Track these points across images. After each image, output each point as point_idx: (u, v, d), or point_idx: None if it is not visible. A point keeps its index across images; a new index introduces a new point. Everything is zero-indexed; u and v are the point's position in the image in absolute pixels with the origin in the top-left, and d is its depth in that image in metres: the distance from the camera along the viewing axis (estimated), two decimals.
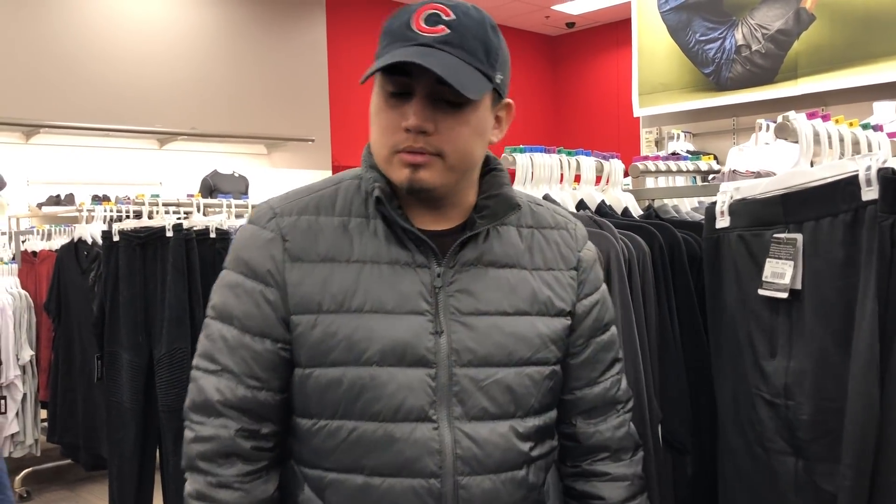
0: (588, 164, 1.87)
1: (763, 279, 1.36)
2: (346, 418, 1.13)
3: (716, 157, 3.88)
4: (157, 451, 3.26)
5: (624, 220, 1.81)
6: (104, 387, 3.29)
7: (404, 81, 1.08)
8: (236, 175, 7.54)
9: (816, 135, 1.37)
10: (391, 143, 1.10)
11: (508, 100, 1.19)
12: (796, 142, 1.40)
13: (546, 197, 1.75)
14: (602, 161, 1.92)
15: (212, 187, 7.23)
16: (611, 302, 1.29)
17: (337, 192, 1.19)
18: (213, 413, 1.15)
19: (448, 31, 1.06)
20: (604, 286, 1.29)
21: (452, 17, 1.07)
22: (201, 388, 1.16)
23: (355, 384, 1.11)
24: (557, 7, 10.04)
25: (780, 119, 1.43)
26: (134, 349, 3.12)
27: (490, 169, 1.23)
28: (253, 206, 3.63)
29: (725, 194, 1.50)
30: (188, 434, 1.17)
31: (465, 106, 1.09)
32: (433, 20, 1.07)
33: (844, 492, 1.17)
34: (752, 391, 1.40)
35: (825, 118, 1.37)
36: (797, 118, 1.38)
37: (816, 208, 1.27)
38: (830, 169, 1.25)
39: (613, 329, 1.29)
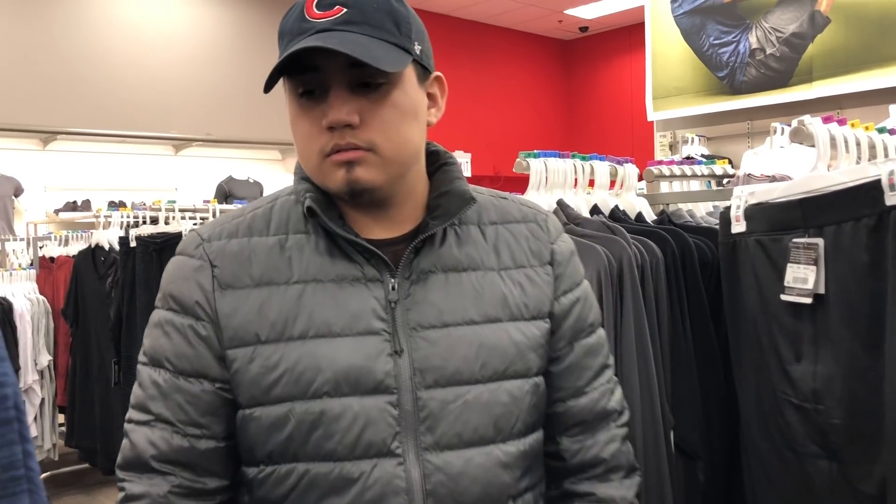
0: (602, 168, 1.87)
1: (785, 284, 1.36)
2: (296, 461, 0.97)
3: (730, 161, 3.87)
4: None
5: (637, 225, 1.81)
6: (121, 391, 3.31)
7: (314, 78, 0.96)
8: (251, 181, 7.58)
9: (832, 139, 1.36)
10: (317, 149, 0.97)
11: (437, 73, 1.05)
12: (812, 146, 1.39)
13: (560, 202, 1.76)
14: (616, 166, 1.92)
15: (227, 193, 7.27)
16: (594, 300, 1.15)
17: (272, 210, 1.05)
18: (146, 469, 0.99)
19: (345, 9, 0.94)
20: (585, 282, 1.14)
21: None
22: (133, 442, 1.00)
23: (304, 421, 0.96)
24: (570, 11, 10.04)
25: (795, 123, 1.42)
26: None
27: (440, 164, 1.09)
28: None
29: (740, 199, 1.50)
30: (119, 494, 1.01)
31: (386, 87, 0.96)
32: (326, 3, 0.95)
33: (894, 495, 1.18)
34: (779, 395, 1.40)
35: (841, 122, 1.37)
36: (813, 122, 1.38)
37: (837, 213, 1.27)
38: (851, 173, 1.24)
39: (601, 331, 1.14)
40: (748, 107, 5.01)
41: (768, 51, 4.89)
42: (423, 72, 1.02)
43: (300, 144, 1.00)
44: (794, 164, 4.40)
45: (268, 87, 0.97)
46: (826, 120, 1.36)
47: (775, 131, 4.66)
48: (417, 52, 0.99)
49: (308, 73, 0.96)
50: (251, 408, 0.98)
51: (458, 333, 1.00)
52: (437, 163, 1.10)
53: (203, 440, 1.00)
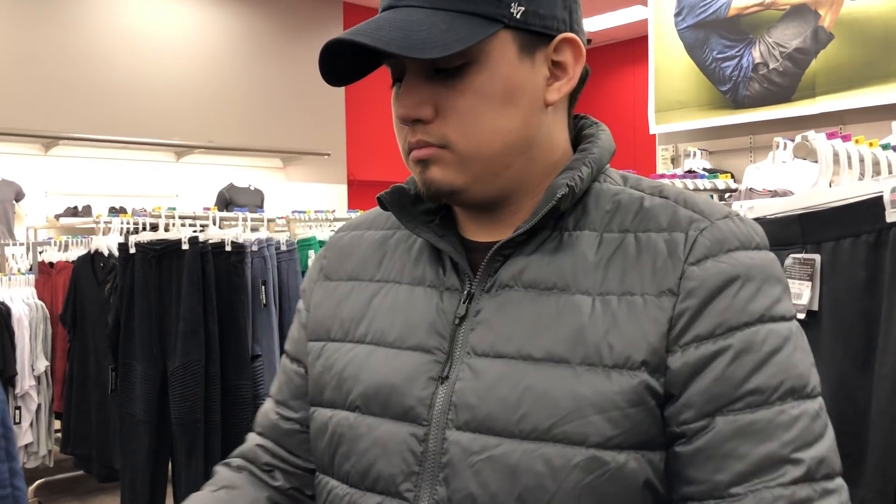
0: None
1: None
2: (327, 473, 0.89)
3: (732, 175, 3.86)
4: (170, 463, 3.27)
5: None
6: (118, 398, 3.31)
7: (394, 64, 0.83)
8: (252, 188, 7.59)
9: (836, 155, 1.36)
10: (402, 143, 0.84)
11: (566, 34, 0.82)
12: (815, 161, 1.39)
13: None
14: None
15: (228, 200, 7.27)
16: (786, 357, 0.76)
17: None
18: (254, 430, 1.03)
19: None
20: (765, 329, 0.76)
21: None
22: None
23: (336, 433, 0.87)
24: None
25: (798, 138, 1.42)
26: (148, 361, 3.13)
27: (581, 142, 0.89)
28: (269, 220, 3.65)
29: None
30: None
31: (465, 69, 0.78)
32: None
33: None
34: None
35: (845, 138, 1.36)
36: (816, 138, 1.37)
37: (836, 229, 1.26)
38: (851, 189, 1.24)
39: (790, 407, 0.74)
40: (751, 121, 5.01)
41: (771, 65, 4.90)
42: (534, 38, 0.80)
43: (396, 137, 0.87)
44: (796, 179, 4.40)
45: (338, 76, 0.84)
46: (830, 136, 1.36)
47: (778, 146, 4.65)
48: (515, 16, 0.78)
49: (388, 56, 0.81)
50: (312, 406, 0.93)
51: (506, 368, 0.79)
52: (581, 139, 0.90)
53: (288, 422, 0.98)
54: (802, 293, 1.29)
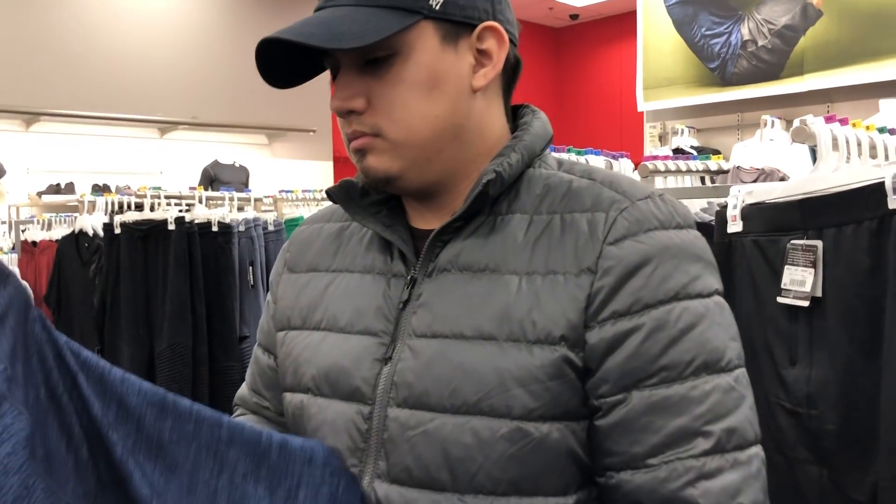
0: (597, 163, 1.85)
1: (782, 286, 1.34)
2: None
3: (721, 155, 3.85)
4: None
5: None
6: None
7: (333, 62, 0.87)
8: (237, 165, 7.52)
9: (834, 139, 1.35)
10: (343, 135, 0.88)
11: (488, 23, 0.87)
12: (814, 146, 1.37)
13: None
14: (611, 160, 1.89)
15: (212, 177, 7.20)
16: (701, 334, 0.79)
17: None
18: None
19: None
20: (680, 307, 0.79)
21: None
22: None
23: (293, 413, 0.93)
24: None
25: (797, 122, 1.40)
26: (135, 343, 3.10)
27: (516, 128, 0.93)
28: (256, 200, 3.61)
29: (737, 198, 1.48)
30: None
31: (391, 59, 0.83)
32: None
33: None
34: (771, 399, 1.38)
35: (843, 122, 1.35)
36: (815, 122, 1.36)
37: (838, 215, 1.25)
38: (853, 175, 1.23)
39: (703, 382, 0.78)
40: (738, 99, 5.00)
41: (760, 43, 4.88)
42: (456, 27, 0.85)
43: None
44: (783, 157, 4.40)
45: (281, 79, 0.89)
46: (828, 119, 1.35)
47: (765, 124, 4.65)
48: (434, 7, 0.83)
49: (326, 55, 0.86)
50: (284, 391, 0.97)
51: (440, 347, 0.83)
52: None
53: (265, 411, 1.03)
54: (806, 280, 1.28)
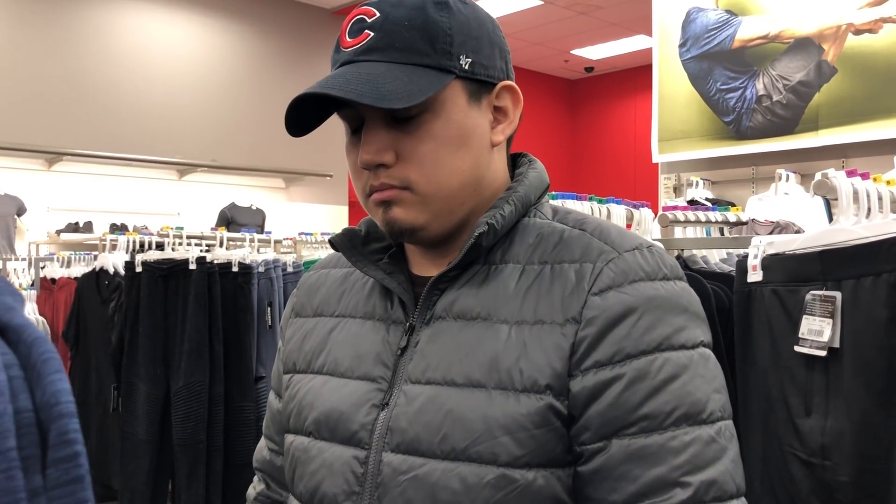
0: (618, 212, 1.88)
1: (799, 336, 1.36)
2: (292, 494, 0.96)
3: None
4: (170, 483, 3.25)
5: None
6: (119, 417, 3.29)
7: (351, 114, 0.89)
8: (254, 208, 7.59)
9: (855, 193, 1.37)
10: (362, 188, 0.90)
11: (506, 82, 0.91)
12: (835, 199, 1.40)
13: None
14: (632, 209, 1.92)
15: (229, 219, 7.27)
16: (682, 386, 0.80)
17: None
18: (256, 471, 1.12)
19: (371, 34, 0.85)
20: (661, 358, 0.81)
21: (377, 15, 0.86)
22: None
23: (294, 456, 0.95)
24: (577, 52, 10.15)
25: (818, 176, 1.43)
26: (152, 381, 3.12)
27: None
28: (276, 242, 3.65)
29: (758, 248, 1.50)
30: None
31: (422, 117, 0.86)
32: (356, 29, 0.87)
33: None
34: (785, 449, 1.39)
35: (864, 176, 1.38)
36: (836, 175, 1.39)
37: (857, 267, 1.27)
38: (873, 228, 1.25)
39: (682, 433, 0.79)
40: (753, 152, 5.04)
41: (775, 98, 4.93)
42: (480, 86, 0.89)
43: (353, 182, 0.94)
44: (798, 210, 4.42)
45: (297, 127, 0.91)
46: (849, 174, 1.38)
47: (780, 178, 4.68)
48: (464, 67, 0.86)
49: (344, 108, 0.89)
50: (286, 433, 0.99)
51: (433, 393, 0.85)
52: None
53: (279, 456, 1.04)
54: (823, 330, 1.30)
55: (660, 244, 0.90)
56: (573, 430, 0.81)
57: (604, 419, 0.80)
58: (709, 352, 0.84)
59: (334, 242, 0.96)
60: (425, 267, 0.94)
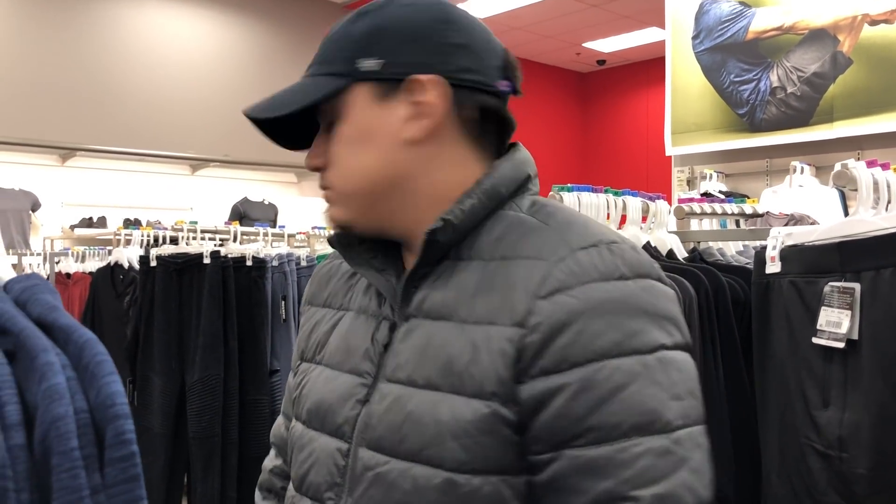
0: (634, 204, 1.87)
1: (817, 328, 1.35)
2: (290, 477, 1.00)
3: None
4: (186, 476, 3.26)
5: (669, 262, 1.80)
6: (134, 411, 3.31)
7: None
8: (266, 203, 7.61)
9: (876, 183, 1.36)
10: None
11: (417, 76, 0.88)
12: (854, 189, 1.39)
13: None
14: (648, 202, 1.91)
15: (242, 214, 7.29)
16: (633, 395, 0.76)
17: None
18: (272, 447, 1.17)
19: (318, 50, 0.94)
20: (613, 366, 0.76)
21: (330, 32, 0.94)
22: None
23: (292, 440, 0.99)
24: (588, 44, 10.11)
25: (838, 166, 1.42)
26: (166, 374, 3.13)
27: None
28: (289, 236, 3.66)
29: (776, 239, 1.49)
30: None
31: (336, 123, 0.92)
32: None
33: None
34: (802, 441, 1.38)
35: (885, 167, 1.37)
36: (856, 166, 1.38)
37: (877, 258, 1.26)
38: (892, 219, 1.24)
39: (626, 444, 0.75)
40: (767, 145, 5.01)
41: (789, 90, 4.90)
42: (392, 85, 0.89)
43: None
44: (813, 203, 4.40)
45: (290, 143, 1.00)
46: (870, 164, 1.37)
47: (795, 170, 4.65)
48: (369, 69, 0.89)
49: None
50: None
51: (399, 393, 0.86)
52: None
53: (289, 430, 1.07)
54: (842, 322, 1.29)
55: (627, 241, 0.84)
56: (525, 438, 0.79)
57: (552, 429, 0.77)
58: (673, 355, 0.78)
59: (332, 241, 0.98)
60: (411, 263, 0.94)
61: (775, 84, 4.95)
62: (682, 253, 1.90)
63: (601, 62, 11.00)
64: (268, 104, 0.91)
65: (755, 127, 5.06)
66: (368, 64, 0.89)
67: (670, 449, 0.74)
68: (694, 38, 5.36)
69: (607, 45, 10.08)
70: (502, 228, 0.87)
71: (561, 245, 0.82)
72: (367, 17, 0.90)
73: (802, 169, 4.68)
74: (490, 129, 0.93)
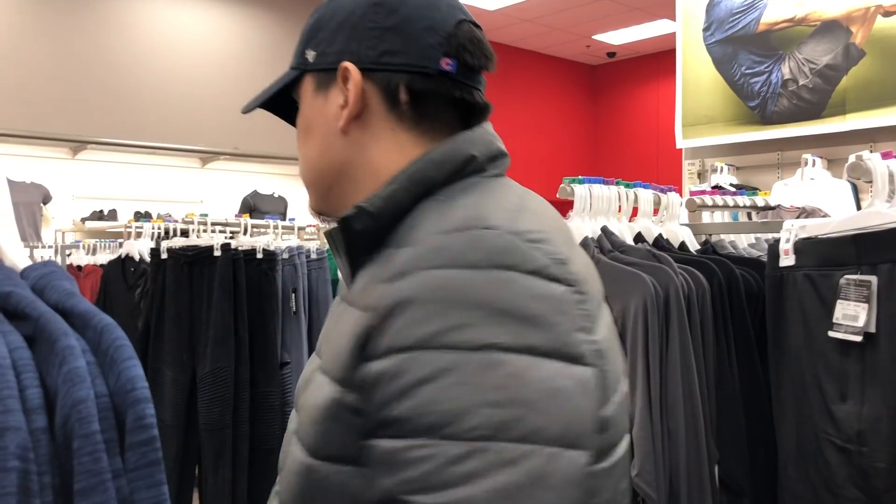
0: (646, 196, 1.86)
1: (833, 321, 1.34)
2: None
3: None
4: (196, 468, 3.27)
5: (682, 254, 1.79)
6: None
7: None
8: (276, 196, 7.62)
9: (891, 175, 1.35)
10: None
11: (342, 65, 0.88)
12: (868, 182, 1.38)
13: (604, 229, 1.74)
14: (660, 194, 1.90)
15: (252, 207, 7.30)
16: (438, 392, 0.69)
17: None
18: None
19: None
20: (424, 358, 0.70)
21: None
22: None
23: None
24: (598, 37, 10.07)
25: (852, 158, 1.41)
26: (178, 366, 3.14)
27: None
28: (299, 228, 3.66)
29: (790, 232, 1.48)
30: None
31: (298, 114, 0.96)
32: None
33: None
34: (820, 435, 1.37)
35: None
36: (871, 157, 1.37)
37: (894, 251, 1.25)
38: None
39: (415, 443, 0.69)
40: (779, 137, 4.98)
41: (801, 82, 4.87)
42: (327, 75, 0.89)
43: None
44: (824, 196, 4.38)
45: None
46: (885, 156, 1.35)
47: (806, 163, 4.63)
48: (311, 59, 0.91)
49: None
50: None
51: (310, 378, 0.86)
52: None
53: None
54: (859, 315, 1.28)
55: (497, 228, 0.75)
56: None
57: (369, 418, 0.72)
58: (509, 357, 0.68)
59: (326, 233, 0.94)
60: None
61: (787, 76, 4.92)
62: (694, 245, 1.89)
63: (611, 55, 10.96)
64: (252, 99, 0.97)
65: (766, 119, 5.03)
66: (310, 55, 0.91)
67: (463, 459, 0.66)
68: (705, 29, 5.34)
69: (617, 37, 10.03)
70: (417, 215, 0.82)
71: (431, 229, 0.78)
72: (318, 9, 0.93)
73: (814, 162, 4.65)
74: (439, 110, 0.88)
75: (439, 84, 0.87)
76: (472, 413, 0.67)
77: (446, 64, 0.87)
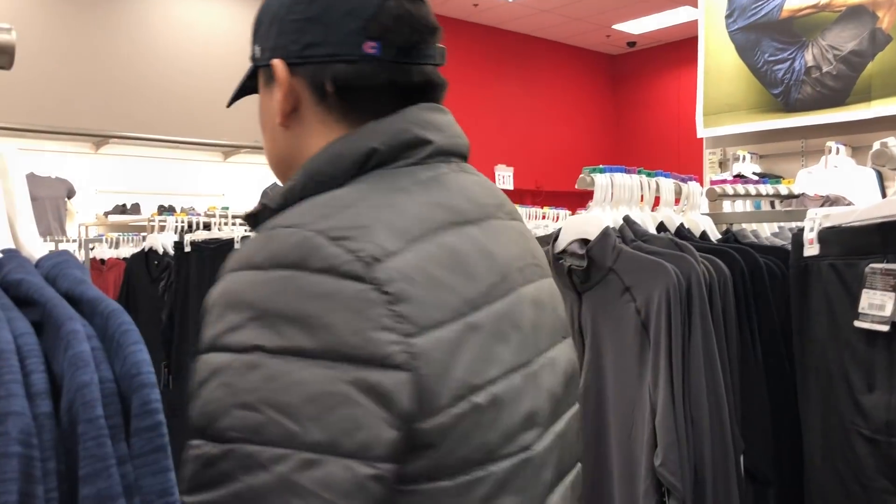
0: (668, 186, 1.85)
1: (859, 310, 1.32)
2: None
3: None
4: None
5: (705, 243, 1.78)
6: (170, 395, 3.34)
7: None
8: None
9: None
10: None
11: (271, 62, 0.88)
12: (894, 169, 1.36)
13: (626, 218, 1.73)
14: (681, 183, 1.89)
15: None
16: (205, 393, 0.69)
17: None
18: None
19: None
20: (204, 360, 0.71)
21: None
22: None
23: None
24: (618, 26, 10.00)
25: (877, 145, 1.39)
26: None
27: None
28: None
29: (814, 221, 1.47)
30: None
31: None
32: None
33: None
34: (848, 426, 1.36)
35: None
36: None
37: None
38: None
39: (191, 442, 0.69)
40: (803, 125, 4.93)
41: (825, 69, 4.81)
42: (269, 70, 0.90)
43: None
44: (848, 184, 4.32)
45: None
46: None
47: (830, 151, 4.58)
48: (257, 56, 0.92)
49: None
50: None
51: None
52: None
53: None
54: (886, 304, 1.27)
55: (296, 226, 0.73)
56: None
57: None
58: (269, 360, 0.67)
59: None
60: None
61: (810, 63, 4.86)
62: (715, 235, 1.87)
63: (631, 44, 10.89)
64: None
65: (790, 107, 4.98)
66: (256, 51, 0.92)
67: (217, 460, 0.66)
68: (727, 16, 5.28)
69: (638, 26, 9.96)
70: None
71: (281, 219, 0.76)
72: (262, 2, 0.93)
73: (838, 150, 4.60)
74: (371, 97, 0.85)
75: (364, 70, 0.84)
76: (224, 415, 0.67)
77: (370, 48, 0.83)
